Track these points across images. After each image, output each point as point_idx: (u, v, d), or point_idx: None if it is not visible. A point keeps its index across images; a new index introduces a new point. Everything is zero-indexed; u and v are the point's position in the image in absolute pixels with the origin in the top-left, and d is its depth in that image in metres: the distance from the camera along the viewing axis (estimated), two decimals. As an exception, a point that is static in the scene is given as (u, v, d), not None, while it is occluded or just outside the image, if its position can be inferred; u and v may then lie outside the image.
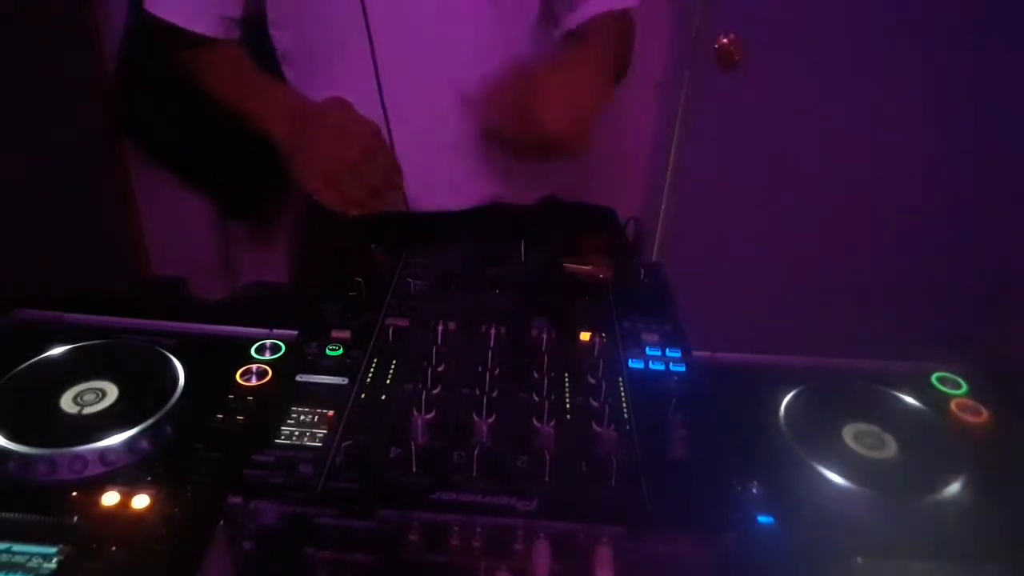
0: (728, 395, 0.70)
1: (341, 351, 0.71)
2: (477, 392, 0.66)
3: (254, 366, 0.74)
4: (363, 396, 0.66)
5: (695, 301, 0.89)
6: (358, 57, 0.92)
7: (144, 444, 0.65)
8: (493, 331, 0.75)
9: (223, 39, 0.98)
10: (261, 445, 0.59)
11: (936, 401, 0.75)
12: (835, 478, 0.64)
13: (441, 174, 0.99)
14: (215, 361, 0.74)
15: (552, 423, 0.62)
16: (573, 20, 0.95)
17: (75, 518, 0.58)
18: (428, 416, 0.63)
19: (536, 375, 0.69)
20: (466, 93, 0.90)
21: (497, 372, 0.69)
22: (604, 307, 0.80)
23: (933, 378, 0.79)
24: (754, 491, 0.59)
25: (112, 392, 0.70)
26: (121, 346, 0.77)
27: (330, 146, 0.84)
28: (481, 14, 0.93)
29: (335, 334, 0.74)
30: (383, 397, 0.66)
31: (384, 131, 0.92)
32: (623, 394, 0.68)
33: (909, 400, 0.74)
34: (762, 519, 0.57)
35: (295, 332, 0.76)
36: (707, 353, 0.81)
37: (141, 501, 0.59)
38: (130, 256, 2.10)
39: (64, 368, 0.73)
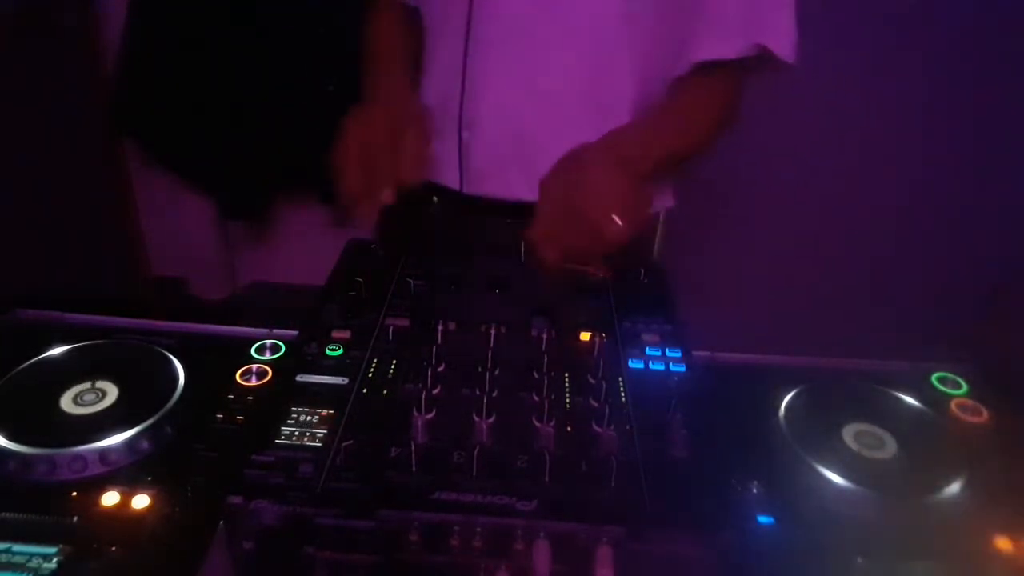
0: (728, 395, 0.70)
1: (341, 351, 0.71)
2: (477, 392, 0.66)
3: (254, 366, 0.74)
4: (363, 396, 0.66)
5: (695, 301, 0.89)
6: (454, 21, 0.93)
7: (144, 444, 0.65)
8: (493, 331, 0.75)
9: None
10: (261, 445, 0.59)
11: (936, 401, 0.75)
12: (835, 478, 0.64)
13: (503, 160, 0.99)
14: (215, 361, 0.74)
15: (552, 423, 0.62)
16: (679, 67, 0.92)
17: (75, 518, 0.58)
18: (428, 416, 0.63)
19: (536, 375, 0.69)
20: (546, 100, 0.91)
21: (497, 372, 0.69)
22: (604, 307, 0.80)
23: (933, 378, 0.79)
24: (754, 491, 0.59)
25: (112, 392, 0.70)
26: (121, 346, 0.77)
27: (360, 126, 0.86)
28: (607, 27, 0.90)
29: (335, 334, 0.74)
30: (383, 397, 0.66)
31: (456, 107, 0.94)
32: (623, 394, 0.68)
33: (909, 400, 0.74)
34: (762, 519, 0.57)
35: (295, 332, 0.76)
36: (707, 353, 0.81)
37: (141, 501, 0.59)
38: (130, 256, 2.10)
39: (64, 368, 0.73)
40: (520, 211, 1.00)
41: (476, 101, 0.95)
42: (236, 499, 0.54)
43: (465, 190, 1.00)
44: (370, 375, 0.69)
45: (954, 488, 0.63)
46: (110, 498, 0.59)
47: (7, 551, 0.55)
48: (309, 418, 0.63)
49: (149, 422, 0.66)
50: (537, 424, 0.62)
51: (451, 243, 0.92)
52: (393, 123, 0.86)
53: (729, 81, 0.94)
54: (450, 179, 1.00)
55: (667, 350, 0.74)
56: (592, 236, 0.70)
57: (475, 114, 0.96)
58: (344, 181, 0.85)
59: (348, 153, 0.85)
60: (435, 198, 1.01)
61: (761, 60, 0.90)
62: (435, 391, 0.66)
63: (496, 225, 0.99)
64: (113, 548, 0.55)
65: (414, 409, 0.63)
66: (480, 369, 0.69)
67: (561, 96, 0.94)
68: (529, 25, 0.91)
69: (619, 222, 0.67)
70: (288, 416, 0.63)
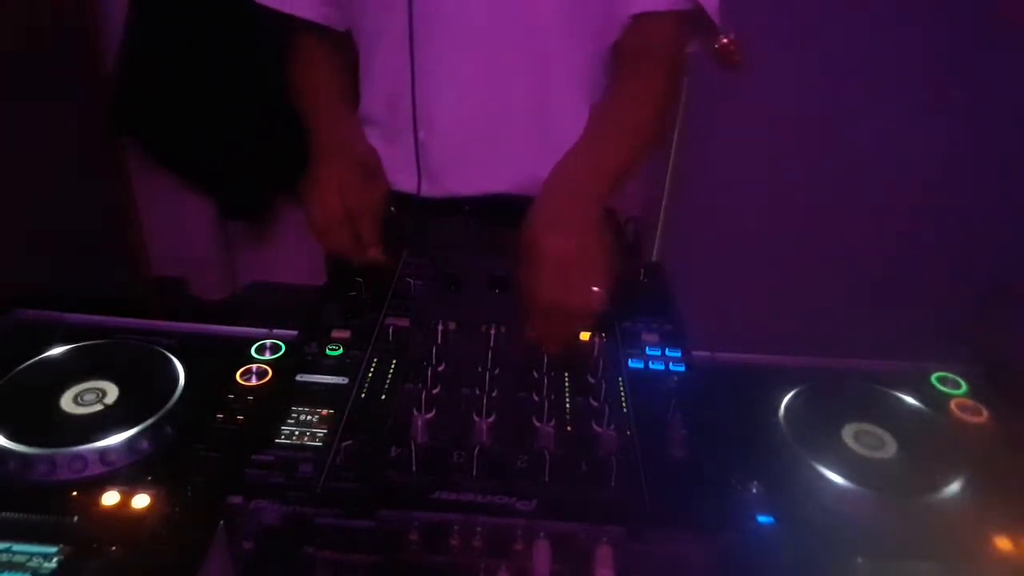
0: (728, 395, 0.70)
1: (341, 351, 0.71)
2: (477, 392, 0.66)
3: (254, 366, 0.74)
4: (363, 396, 0.66)
5: (695, 301, 0.89)
6: (395, 24, 0.92)
7: (144, 444, 0.65)
8: (493, 331, 0.75)
9: (328, 27, 1.00)
10: (261, 445, 0.59)
11: (936, 401, 0.75)
12: (835, 478, 0.64)
13: (462, 155, 0.99)
14: (215, 361, 0.74)
15: (552, 423, 0.62)
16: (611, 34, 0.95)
17: (75, 518, 0.58)
18: (428, 416, 0.63)
19: (536, 375, 0.69)
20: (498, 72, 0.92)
21: (497, 372, 0.69)
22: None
23: (933, 378, 0.79)
24: (754, 491, 0.59)
25: (112, 392, 0.70)
26: (121, 346, 0.77)
27: (334, 193, 0.87)
28: (547, 11, 0.92)
29: (335, 334, 0.74)
30: (383, 397, 0.66)
31: (409, 104, 0.94)
32: (623, 394, 0.68)
33: (909, 400, 0.74)
34: (762, 519, 0.57)
35: (295, 332, 0.76)
36: (707, 353, 0.81)
37: (141, 501, 0.59)
38: (130, 256, 2.10)
39: (64, 368, 0.73)
40: (477, 206, 1.00)
41: (429, 100, 0.95)
42: (236, 499, 0.54)
43: (423, 192, 1.00)
44: (370, 375, 0.69)
45: (954, 488, 0.63)
46: (110, 498, 0.59)
47: (7, 551, 0.55)
48: (309, 418, 0.63)
49: (149, 422, 0.66)
50: (537, 424, 0.62)
51: (422, 247, 0.92)
52: (361, 177, 0.89)
53: (662, 60, 0.97)
54: (406, 183, 0.99)
55: (667, 350, 0.74)
56: (583, 316, 0.73)
57: (430, 113, 0.95)
58: (330, 244, 0.87)
59: (329, 217, 0.86)
60: (392, 208, 0.99)
61: (692, 24, 0.95)
62: (435, 391, 0.66)
63: (463, 225, 1.00)
64: (113, 548, 0.55)
65: (414, 409, 0.63)
66: (480, 369, 0.69)
67: (511, 79, 0.94)
68: (471, 15, 0.91)
69: (599, 291, 0.71)
70: (288, 416, 0.63)
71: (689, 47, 1.02)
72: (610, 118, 0.93)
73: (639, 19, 0.94)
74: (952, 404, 0.75)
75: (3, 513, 0.57)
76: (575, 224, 0.75)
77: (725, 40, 1.77)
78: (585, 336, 0.75)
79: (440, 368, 0.69)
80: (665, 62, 0.97)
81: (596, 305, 0.71)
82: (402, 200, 1.00)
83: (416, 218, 1.00)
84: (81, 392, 0.69)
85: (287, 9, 0.98)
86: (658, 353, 0.74)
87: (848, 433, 0.69)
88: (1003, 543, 0.60)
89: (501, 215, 0.98)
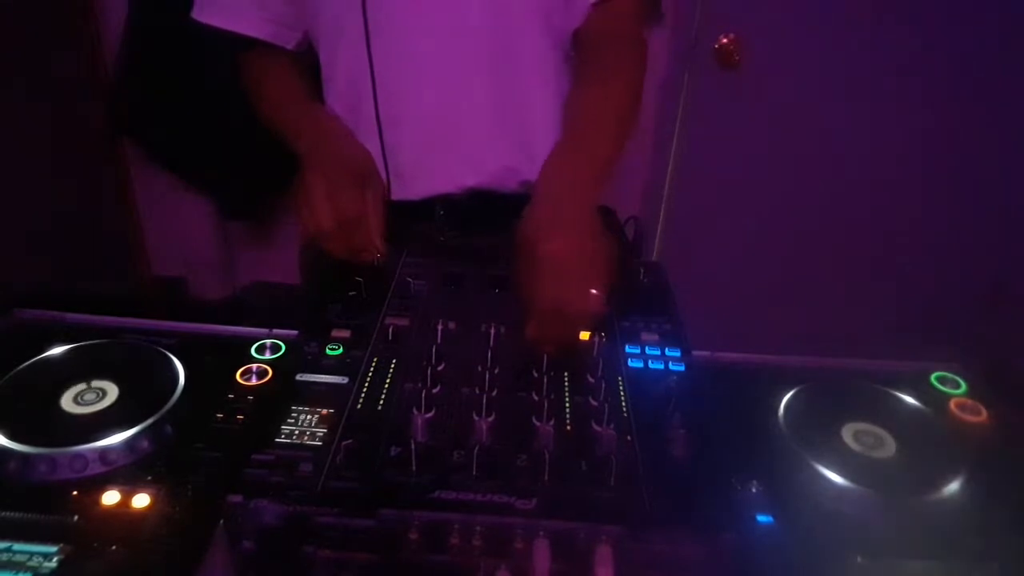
0: (728, 395, 0.70)
1: (341, 351, 0.71)
2: (477, 391, 0.66)
3: (254, 366, 0.74)
4: (363, 395, 0.66)
5: (695, 301, 0.89)
6: (353, 23, 0.91)
7: (144, 444, 0.65)
8: (493, 331, 0.75)
9: (276, 44, 0.99)
10: (261, 445, 0.59)
11: (935, 401, 0.75)
12: (835, 478, 0.64)
13: (430, 154, 0.98)
14: (215, 361, 0.74)
15: (552, 423, 0.62)
16: (573, 19, 0.95)
17: (75, 517, 0.58)
18: (428, 415, 0.63)
19: (536, 375, 0.69)
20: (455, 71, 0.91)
21: (497, 372, 0.69)
22: (604, 307, 0.80)
23: (933, 378, 0.79)
24: (754, 491, 0.59)
25: (112, 392, 0.70)
26: (121, 346, 0.77)
27: (324, 200, 0.84)
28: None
29: (335, 333, 0.74)
30: (383, 396, 0.66)
31: (372, 103, 0.93)
32: (623, 394, 0.68)
33: (909, 400, 0.74)
34: (762, 519, 0.57)
35: (295, 332, 0.76)
36: (707, 353, 0.81)
37: (141, 501, 0.59)
38: (130, 256, 2.10)
39: (64, 368, 0.73)
40: (450, 208, 0.99)
41: (392, 100, 0.94)
42: (236, 498, 0.54)
43: (395, 196, 0.98)
44: (370, 374, 0.69)
45: (954, 488, 0.63)
46: (110, 497, 0.59)
47: (7, 550, 0.55)
48: (309, 417, 0.63)
49: (149, 422, 0.66)
50: (537, 423, 0.62)
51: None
52: (351, 184, 0.85)
53: (628, 44, 0.98)
54: None
55: (667, 350, 0.74)
56: (582, 318, 0.72)
57: (395, 114, 0.95)
58: (333, 246, 0.84)
59: (320, 228, 0.83)
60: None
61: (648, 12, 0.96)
62: (435, 390, 0.66)
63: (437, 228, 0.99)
64: (113, 547, 0.55)
65: (414, 408, 0.63)
66: (480, 369, 0.69)
67: (473, 75, 0.94)
68: (429, 11, 0.91)
69: (598, 293, 0.71)
70: (288, 415, 0.63)
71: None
72: (589, 111, 0.93)
73: (599, 6, 0.94)
74: (952, 404, 0.75)
75: (3, 513, 0.57)
76: (573, 225, 0.75)
77: (725, 40, 1.78)
78: (585, 336, 0.75)
79: (440, 368, 0.69)
80: (630, 46, 0.98)
81: (595, 307, 0.71)
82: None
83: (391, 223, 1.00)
84: (81, 392, 0.69)
85: (229, 26, 0.96)
86: (658, 353, 0.74)
87: (848, 433, 0.69)
88: (1003, 543, 0.60)
89: (477, 216, 0.98)
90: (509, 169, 0.98)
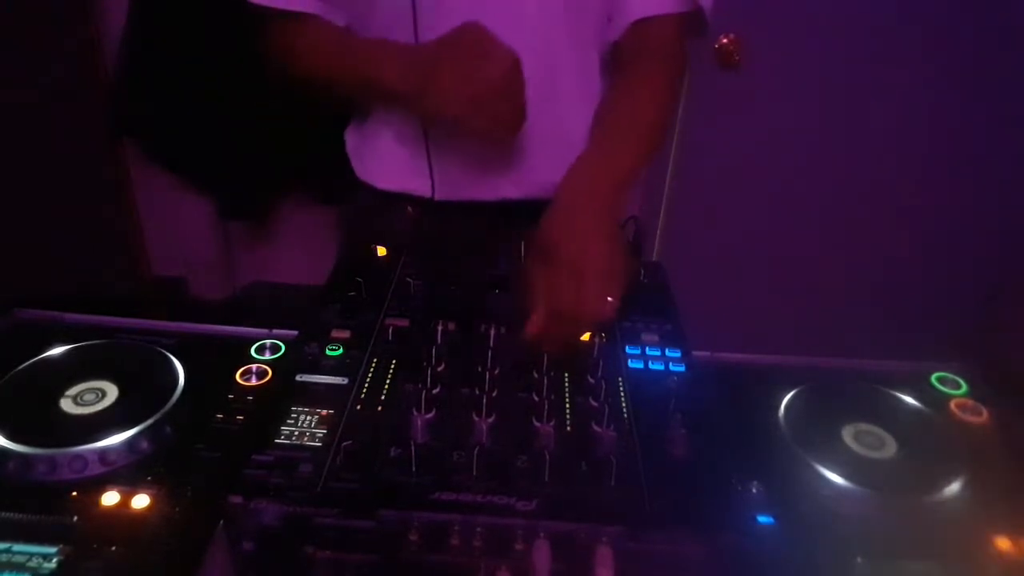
0: (728, 395, 0.70)
1: (341, 351, 0.71)
2: (477, 392, 0.66)
3: (254, 366, 0.74)
4: (363, 396, 0.66)
5: (695, 301, 0.89)
6: (402, 24, 0.91)
7: (144, 444, 0.65)
8: (493, 331, 0.75)
9: (318, 15, 0.96)
10: (261, 445, 0.59)
11: (936, 401, 0.75)
12: (835, 478, 0.64)
13: (474, 159, 0.98)
14: (215, 361, 0.74)
15: (552, 423, 0.62)
16: (614, 31, 0.95)
17: (75, 518, 0.58)
18: (428, 416, 0.63)
19: (536, 375, 0.69)
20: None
21: (497, 372, 0.69)
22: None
23: (933, 378, 0.79)
24: (754, 491, 0.59)
25: (112, 392, 0.70)
26: (121, 346, 0.77)
27: (473, 67, 0.82)
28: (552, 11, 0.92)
29: (335, 334, 0.74)
30: (383, 397, 0.66)
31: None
32: (623, 394, 0.68)
33: (909, 400, 0.74)
34: (762, 519, 0.57)
35: (295, 332, 0.76)
36: (707, 353, 0.81)
37: (141, 501, 0.59)
38: (130, 256, 2.10)
39: (64, 368, 0.73)
40: (497, 211, 1.00)
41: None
42: (236, 499, 0.54)
43: (437, 197, 0.99)
44: (370, 375, 0.69)
45: (954, 488, 0.63)
46: (110, 498, 0.59)
47: (7, 551, 0.55)
48: (309, 418, 0.63)
49: (149, 422, 0.66)
50: (537, 424, 0.62)
51: (433, 249, 0.91)
52: (473, 59, 0.82)
53: (664, 62, 0.97)
54: (420, 187, 0.99)
55: (667, 350, 0.74)
56: (592, 323, 0.72)
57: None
58: (477, 122, 0.83)
59: (459, 114, 0.81)
60: (409, 208, 1.00)
61: (688, 25, 0.96)
62: (435, 391, 0.66)
63: (475, 228, 1.00)
64: (113, 548, 0.55)
65: (414, 409, 0.63)
66: (480, 369, 0.69)
67: None
68: (477, 18, 0.88)
69: (614, 300, 0.71)
70: (288, 416, 0.63)
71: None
72: (618, 123, 0.93)
73: (640, 23, 0.94)
74: (952, 404, 0.75)
75: (3, 513, 0.57)
76: (594, 232, 0.75)
77: (725, 40, 1.78)
78: (585, 336, 0.75)
79: (440, 368, 0.69)
80: (666, 64, 0.97)
81: (608, 314, 0.71)
82: (417, 204, 1.00)
83: (432, 224, 1.00)
84: (81, 392, 0.69)
85: (282, 5, 0.94)
86: (658, 353, 0.74)
87: (848, 433, 0.69)
88: (1003, 543, 0.60)
89: (515, 222, 0.98)
90: (547, 183, 0.98)
